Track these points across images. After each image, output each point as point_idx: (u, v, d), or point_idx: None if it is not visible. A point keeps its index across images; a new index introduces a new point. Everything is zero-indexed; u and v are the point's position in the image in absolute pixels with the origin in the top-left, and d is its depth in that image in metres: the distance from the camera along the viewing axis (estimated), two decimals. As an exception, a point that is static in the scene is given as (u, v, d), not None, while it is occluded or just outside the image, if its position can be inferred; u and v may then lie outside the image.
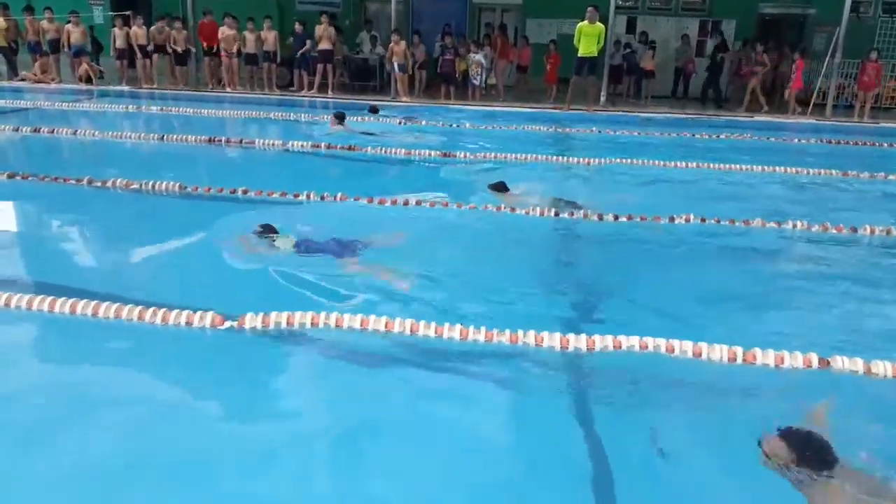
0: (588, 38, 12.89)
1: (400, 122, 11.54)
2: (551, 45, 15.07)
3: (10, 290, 4.17)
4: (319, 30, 14.58)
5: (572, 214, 6.36)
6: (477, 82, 14.62)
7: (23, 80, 15.16)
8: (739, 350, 3.69)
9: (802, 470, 2.67)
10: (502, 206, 6.54)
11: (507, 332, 3.82)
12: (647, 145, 10.48)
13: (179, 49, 15.02)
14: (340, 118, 10.32)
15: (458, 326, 3.86)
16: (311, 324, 3.91)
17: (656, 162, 8.78)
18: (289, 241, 5.05)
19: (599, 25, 12.92)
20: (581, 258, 5.80)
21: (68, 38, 14.93)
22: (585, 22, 12.87)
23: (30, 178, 6.96)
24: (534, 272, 5.15)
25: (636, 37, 16.45)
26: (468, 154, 9.06)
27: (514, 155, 8.96)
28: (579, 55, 13.08)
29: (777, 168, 8.64)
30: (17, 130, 9.95)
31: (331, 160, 8.90)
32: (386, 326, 3.88)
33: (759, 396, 3.49)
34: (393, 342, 3.81)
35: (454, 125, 11.68)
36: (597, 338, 3.79)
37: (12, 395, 3.33)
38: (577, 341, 3.77)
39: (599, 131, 11.47)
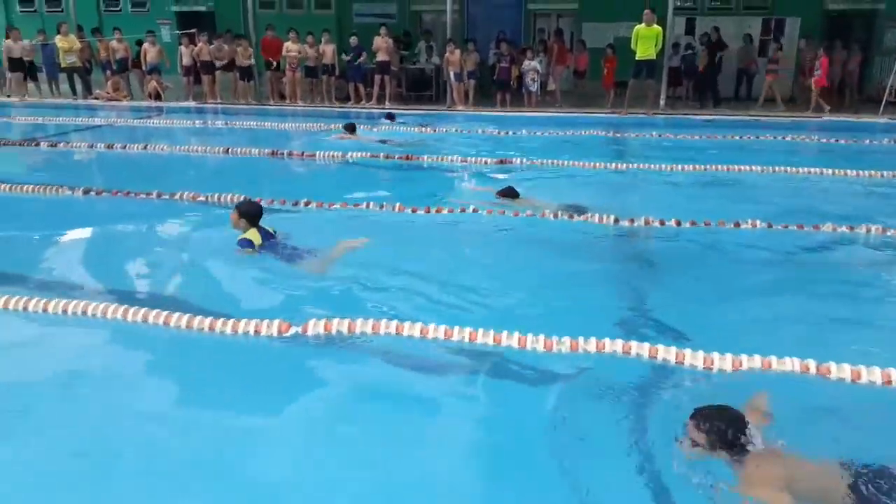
0: (645, 40, 12.72)
1: (420, 130, 11.78)
2: (608, 49, 14.91)
3: (84, 298, 4.38)
4: (377, 41, 14.80)
5: (585, 217, 6.29)
6: (533, 89, 14.58)
7: (96, 98, 15.88)
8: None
9: (721, 452, 2.62)
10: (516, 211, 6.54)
11: (568, 338, 3.81)
12: (709, 148, 10.25)
13: (243, 64, 15.47)
14: (351, 129, 10.50)
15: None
16: (372, 331, 3.98)
17: (718, 166, 8.57)
18: (254, 234, 5.12)
19: (657, 27, 12.73)
20: (648, 266, 5.70)
21: (145, 56, 15.58)
22: (642, 25, 12.71)
23: (103, 193, 7.28)
24: (601, 279, 5.13)
25: (695, 38, 16.11)
26: (525, 160, 9.04)
27: (570, 161, 8.90)
28: (637, 58, 12.92)
29: (848, 171, 8.31)
30: (91, 147, 10.43)
31: (385, 169, 9.02)
32: (445, 335, 3.92)
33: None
34: (451, 349, 3.85)
35: (511, 132, 11.68)
36: (688, 352, 3.73)
37: (99, 402, 3.51)
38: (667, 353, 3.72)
39: (659, 135, 11.27)
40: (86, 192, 7.33)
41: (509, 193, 6.86)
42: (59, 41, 15.51)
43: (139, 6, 19.78)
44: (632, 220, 6.25)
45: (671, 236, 6.03)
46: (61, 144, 10.52)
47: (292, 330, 4.02)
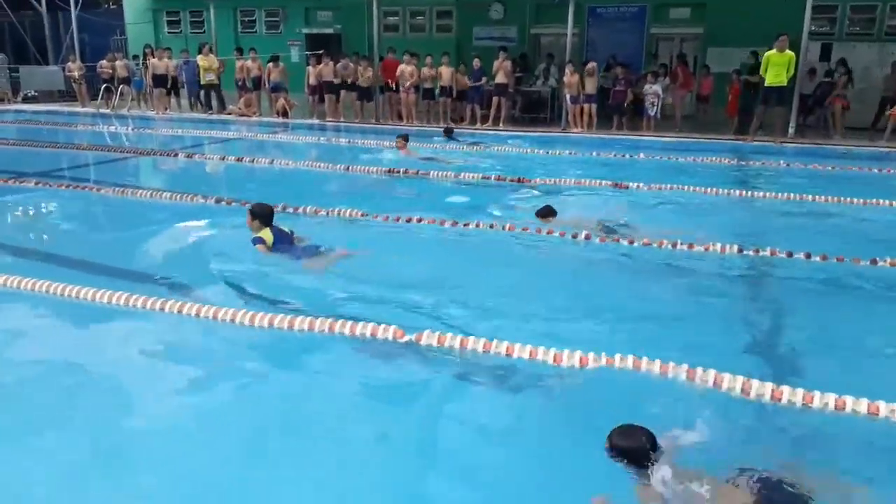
0: (777, 66, 12.16)
1: (471, 147, 12.09)
2: (734, 74, 14.36)
3: (211, 303, 4.65)
4: (497, 64, 14.98)
5: (706, 246, 6.00)
6: (652, 113, 14.24)
7: (229, 113, 16.96)
8: None
9: (628, 466, 2.79)
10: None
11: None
12: (842, 179, 9.61)
13: (364, 85, 16.06)
14: (405, 139, 11.20)
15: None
16: (483, 349, 3.99)
17: (854, 200, 8.01)
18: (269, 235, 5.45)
19: (789, 53, 12.13)
20: (773, 301, 5.40)
21: (269, 75, 16.50)
22: (774, 50, 12.16)
23: (233, 203, 7.73)
24: (727, 312, 4.90)
25: (830, 64, 15.20)
26: (642, 185, 8.82)
27: (690, 187, 8.61)
28: (766, 84, 12.37)
29: None
30: (223, 159, 11.13)
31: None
32: (554, 360, 3.88)
33: None
34: (560, 374, 3.79)
35: (628, 156, 11.46)
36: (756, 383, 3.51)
37: (226, 402, 3.73)
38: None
39: (788, 165, 10.70)
40: (217, 200, 7.81)
41: (547, 213, 6.84)
42: (201, 60, 16.71)
43: (273, 28, 20.98)
44: (757, 251, 5.95)
45: (799, 269, 5.68)
46: (196, 156, 11.29)
47: (406, 337, 4.12)
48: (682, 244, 6.11)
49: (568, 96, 14.51)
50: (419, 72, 15.49)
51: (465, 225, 6.77)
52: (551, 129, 14.96)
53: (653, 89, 14.12)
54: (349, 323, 4.28)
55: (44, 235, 7.00)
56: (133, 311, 4.65)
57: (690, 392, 3.62)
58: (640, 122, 14.56)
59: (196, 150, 11.74)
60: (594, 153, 11.81)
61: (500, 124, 15.21)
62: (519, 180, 9.31)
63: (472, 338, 4.08)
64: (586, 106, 14.49)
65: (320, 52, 16.86)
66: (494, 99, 15.25)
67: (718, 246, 6.04)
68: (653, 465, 2.77)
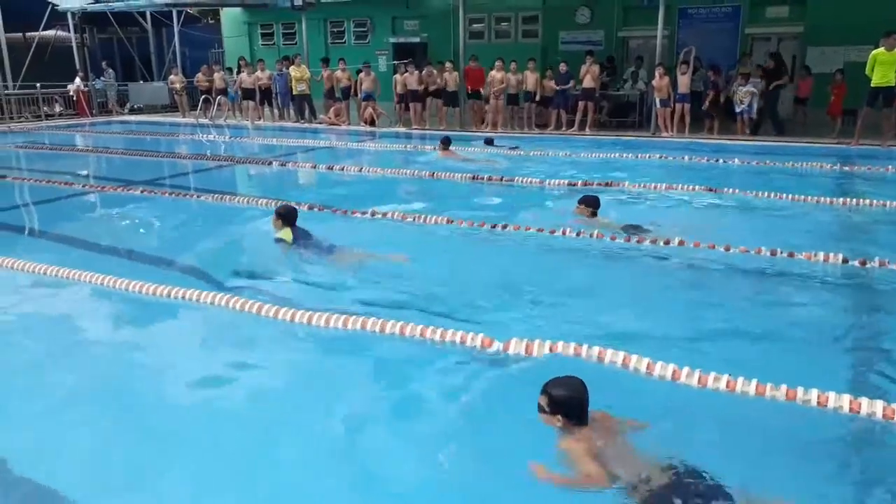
0: (885, 66, 11.48)
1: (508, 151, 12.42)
2: (837, 74, 13.63)
3: (302, 308, 4.79)
4: (584, 69, 14.81)
5: (808, 255, 5.76)
6: (745, 114, 13.67)
7: (320, 122, 17.47)
8: None
9: (561, 419, 3.00)
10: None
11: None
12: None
13: (450, 89, 16.21)
14: (447, 143, 11.76)
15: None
16: (574, 353, 3.94)
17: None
18: (287, 233, 5.89)
19: (899, 51, 11.42)
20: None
21: (360, 85, 16.89)
22: (882, 49, 11.47)
23: (324, 210, 7.96)
24: (834, 327, 4.66)
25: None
26: (735, 190, 8.50)
27: (789, 195, 8.21)
28: (872, 85, 11.68)
29: None
30: (314, 167, 11.47)
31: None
32: (648, 368, 3.79)
33: None
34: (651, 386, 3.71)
35: (721, 160, 11.09)
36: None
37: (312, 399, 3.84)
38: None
39: (896, 169, 10.08)
40: (310, 207, 8.06)
41: (591, 203, 6.90)
42: (293, 71, 17.31)
43: (361, 38, 21.49)
44: (863, 262, 5.61)
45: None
46: (289, 164, 11.69)
47: (495, 346, 4.13)
48: (781, 252, 5.84)
49: (658, 99, 14.17)
50: (506, 79, 15.49)
51: (551, 232, 6.70)
52: (640, 133, 14.63)
53: (746, 89, 13.56)
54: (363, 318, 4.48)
55: (145, 239, 7.39)
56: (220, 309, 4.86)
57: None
58: (734, 124, 14.03)
59: (287, 159, 12.15)
60: (685, 157, 11.50)
61: (587, 129, 15.00)
62: (607, 184, 9.16)
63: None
64: (678, 107, 14.10)
65: (407, 60, 17.13)
66: (581, 104, 15.05)
67: (821, 255, 5.75)
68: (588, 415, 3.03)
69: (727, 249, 6.01)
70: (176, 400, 3.83)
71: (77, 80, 20.76)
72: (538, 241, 6.61)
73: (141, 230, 7.68)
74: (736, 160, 11.06)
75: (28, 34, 23.12)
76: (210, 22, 25.61)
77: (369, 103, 16.85)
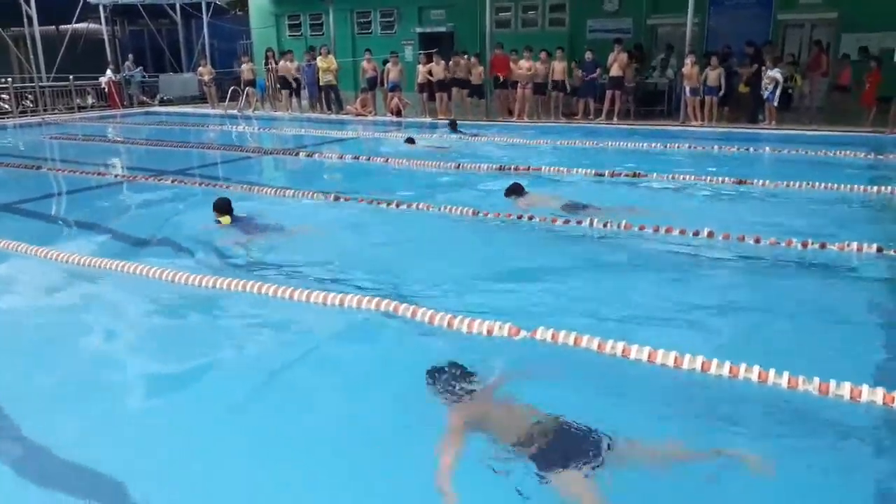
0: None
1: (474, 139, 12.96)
2: (872, 61, 13.30)
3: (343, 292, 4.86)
4: (612, 57, 14.66)
5: (842, 245, 5.67)
6: (768, 98, 13.36)
7: (346, 113, 17.54)
8: None
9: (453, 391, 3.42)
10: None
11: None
12: None
13: (475, 82, 16.17)
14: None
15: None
16: (598, 349, 3.94)
17: None
18: (227, 220, 6.72)
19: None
20: None
21: (387, 75, 16.90)
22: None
23: (350, 199, 8.01)
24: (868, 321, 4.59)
25: None
26: (766, 182, 8.37)
27: (819, 183, 8.06)
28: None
29: None
30: (341, 158, 11.53)
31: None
32: (675, 362, 3.77)
33: None
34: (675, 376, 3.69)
35: (752, 149, 10.96)
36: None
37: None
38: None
39: (934, 158, 9.84)
40: (336, 198, 8.12)
41: (516, 190, 7.38)
42: (320, 62, 17.39)
43: (387, 28, 21.51)
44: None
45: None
46: (316, 155, 11.77)
47: (522, 334, 4.16)
48: (812, 243, 5.75)
49: (688, 88, 13.99)
50: (534, 67, 15.40)
51: (604, 225, 6.63)
52: (669, 122, 14.47)
53: (770, 74, 13.25)
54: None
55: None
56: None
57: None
58: (762, 111, 13.78)
59: (315, 150, 12.22)
60: (716, 147, 11.39)
61: (615, 118, 14.87)
62: (634, 175, 9.09)
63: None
64: (707, 98, 13.91)
65: (433, 51, 17.11)
66: (609, 93, 14.91)
67: (854, 245, 5.65)
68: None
69: (757, 242, 5.93)
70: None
71: (108, 71, 21.07)
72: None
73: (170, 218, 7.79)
74: (767, 149, 10.92)
75: (61, 27, 23.52)
76: (238, 13, 25.80)
77: (395, 94, 16.85)
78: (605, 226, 6.53)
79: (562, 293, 5.12)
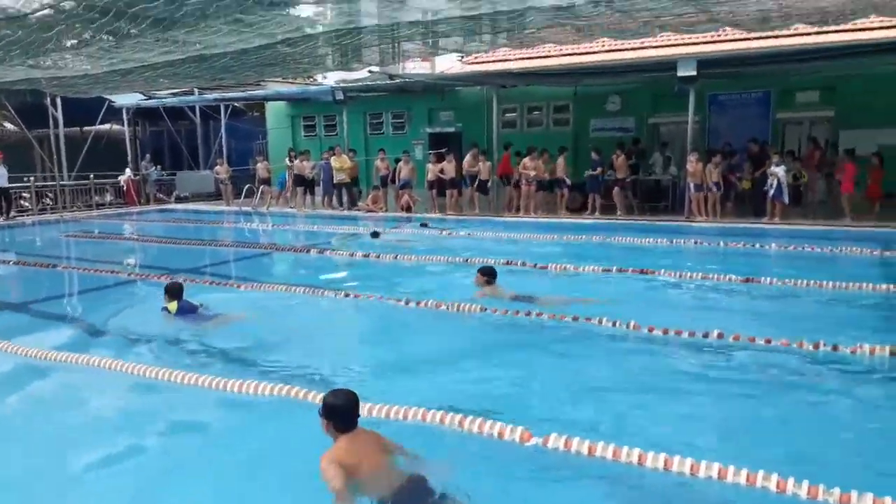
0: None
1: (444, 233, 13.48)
2: (873, 157, 13.57)
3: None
4: (614, 158, 15.17)
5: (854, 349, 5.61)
6: (771, 194, 13.55)
7: (358, 209, 17.91)
8: None
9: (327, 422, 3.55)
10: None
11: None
12: None
13: (483, 178, 16.59)
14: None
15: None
16: (612, 456, 3.88)
17: None
18: (174, 306, 7.00)
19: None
20: None
21: (399, 173, 17.41)
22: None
23: (361, 297, 8.08)
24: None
25: None
26: (775, 280, 8.37)
27: (828, 282, 8.05)
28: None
29: None
30: (352, 255, 11.68)
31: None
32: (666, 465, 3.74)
33: None
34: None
35: (758, 245, 11.04)
36: None
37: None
38: None
39: (941, 254, 9.86)
40: (346, 294, 8.19)
41: (487, 272, 7.68)
42: (334, 161, 17.94)
43: (399, 129, 22.25)
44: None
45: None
46: (327, 252, 11.94)
47: (533, 440, 4.12)
48: (825, 345, 5.70)
49: (692, 184, 14.26)
50: (539, 166, 15.87)
51: (614, 324, 6.63)
52: (674, 217, 14.66)
53: (772, 170, 13.52)
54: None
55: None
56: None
57: None
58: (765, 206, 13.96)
59: (326, 246, 12.42)
60: (720, 243, 11.49)
61: (618, 213, 15.14)
62: (642, 272, 9.13)
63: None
64: (710, 194, 14.17)
65: (443, 150, 17.66)
66: (615, 189, 15.30)
67: (867, 348, 5.59)
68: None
69: (768, 343, 5.89)
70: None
71: (127, 170, 21.77)
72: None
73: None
74: (773, 245, 11.00)
75: (85, 128, 24.51)
76: (255, 114, 26.85)
77: (406, 191, 17.29)
78: (609, 323, 6.52)
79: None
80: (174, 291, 7.23)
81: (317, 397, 4.55)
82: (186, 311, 7.11)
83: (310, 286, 8.61)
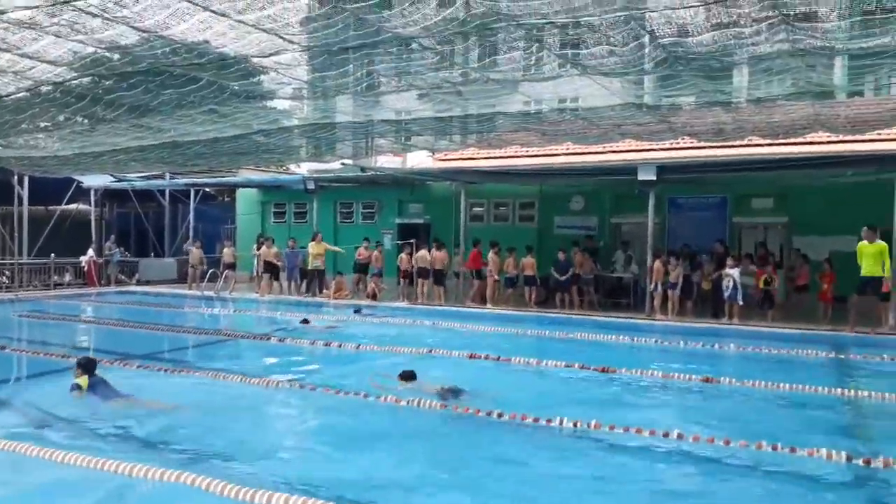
0: (869, 258, 12.01)
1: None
2: (825, 263, 14.09)
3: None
4: (577, 256, 15.57)
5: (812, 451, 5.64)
6: (727, 296, 13.89)
7: (325, 297, 17.84)
8: None
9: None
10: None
11: None
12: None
13: (449, 270, 16.80)
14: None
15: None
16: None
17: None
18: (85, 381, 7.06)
19: (880, 243, 12.01)
20: None
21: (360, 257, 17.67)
22: (864, 241, 12.05)
23: (317, 389, 7.94)
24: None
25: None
26: (733, 381, 8.48)
27: (786, 384, 8.18)
28: (861, 275, 12.12)
29: None
30: (312, 343, 11.53)
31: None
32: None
33: None
34: None
35: (717, 346, 11.22)
36: None
37: None
38: None
39: (892, 359, 10.11)
40: (301, 386, 8.06)
41: (408, 377, 7.91)
42: (311, 247, 18.05)
43: (368, 218, 22.53)
44: (867, 461, 5.47)
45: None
46: (287, 340, 11.78)
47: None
48: (782, 447, 5.73)
49: (656, 283, 14.57)
50: (503, 262, 16.19)
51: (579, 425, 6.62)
52: (635, 314, 14.87)
53: (730, 273, 13.91)
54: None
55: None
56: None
57: None
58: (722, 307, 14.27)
59: (286, 335, 12.26)
60: (681, 342, 11.67)
61: (583, 308, 15.39)
62: (603, 370, 9.16)
63: None
64: (670, 293, 14.48)
65: (411, 241, 17.93)
66: (574, 287, 15.66)
67: (823, 452, 5.63)
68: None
69: (727, 444, 5.91)
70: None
71: (90, 251, 21.46)
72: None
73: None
74: (732, 346, 11.19)
75: (50, 207, 24.29)
76: (225, 200, 26.96)
77: (374, 279, 17.43)
78: (574, 426, 6.48)
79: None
80: (87, 366, 7.28)
81: (211, 484, 4.65)
82: (98, 387, 7.10)
83: (227, 372, 8.81)
